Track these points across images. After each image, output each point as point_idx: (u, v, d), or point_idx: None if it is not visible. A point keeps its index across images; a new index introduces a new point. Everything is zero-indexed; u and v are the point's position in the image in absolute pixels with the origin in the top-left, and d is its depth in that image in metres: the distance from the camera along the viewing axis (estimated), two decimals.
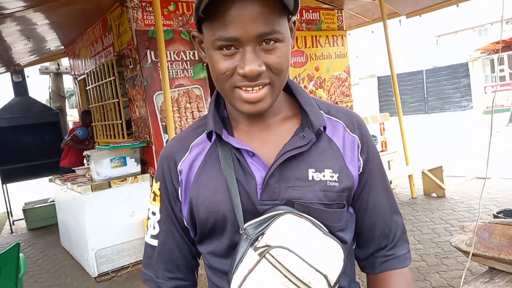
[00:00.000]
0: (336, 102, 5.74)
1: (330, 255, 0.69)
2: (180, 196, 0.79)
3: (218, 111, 0.81)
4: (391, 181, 5.22)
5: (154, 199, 0.84)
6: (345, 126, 0.80)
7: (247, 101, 0.69)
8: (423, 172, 5.01)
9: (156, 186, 0.83)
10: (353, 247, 0.85)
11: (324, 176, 0.74)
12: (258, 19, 0.65)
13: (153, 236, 0.84)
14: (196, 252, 0.85)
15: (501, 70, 16.63)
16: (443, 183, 4.95)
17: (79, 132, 5.43)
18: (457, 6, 5.37)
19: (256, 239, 0.68)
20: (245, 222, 0.71)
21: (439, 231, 3.80)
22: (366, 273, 0.86)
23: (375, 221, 0.81)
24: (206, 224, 0.76)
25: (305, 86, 5.39)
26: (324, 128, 0.77)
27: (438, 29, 27.35)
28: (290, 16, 0.72)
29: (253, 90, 0.69)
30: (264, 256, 0.66)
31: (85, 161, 4.27)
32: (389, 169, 5.36)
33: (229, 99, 0.72)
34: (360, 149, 0.79)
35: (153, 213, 0.84)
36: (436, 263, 3.13)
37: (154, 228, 0.84)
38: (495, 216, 2.95)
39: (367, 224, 0.82)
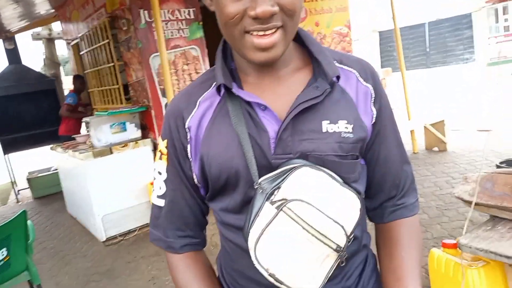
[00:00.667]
0: None
1: (347, 206, 0.69)
2: (189, 154, 0.77)
3: (226, 63, 0.77)
4: None
5: (160, 158, 0.81)
6: (358, 75, 0.77)
7: (259, 48, 0.65)
8: (425, 127, 4.99)
9: (163, 144, 0.80)
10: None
11: (338, 127, 0.72)
12: None
13: (159, 196, 0.82)
14: (206, 210, 0.84)
15: (506, 20, 16.14)
16: (445, 137, 4.94)
17: (70, 99, 5.34)
18: None
19: (272, 193, 0.67)
20: (259, 177, 0.69)
21: (441, 184, 3.83)
22: (375, 223, 0.86)
23: (386, 172, 0.81)
24: (219, 180, 0.74)
25: None
26: (338, 78, 0.73)
27: None
28: None
29: (265, 34, 0.64)
30: (281, 209, 0.65)
31: (84, 128, 4.25)
32: None
33: (238, 47, 0.68)
34: (373, 99, 0.77)
35: (159, 173, 0.82)
36: (437, 215, 3.19)
37: (160, 188, 0.82)
38: (497, 166, 2.96)
39: (378, 175, 0.81)
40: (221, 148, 0.73)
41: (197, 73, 4.26)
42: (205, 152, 0.74)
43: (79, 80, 5.47)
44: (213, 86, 0.76)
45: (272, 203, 0.66)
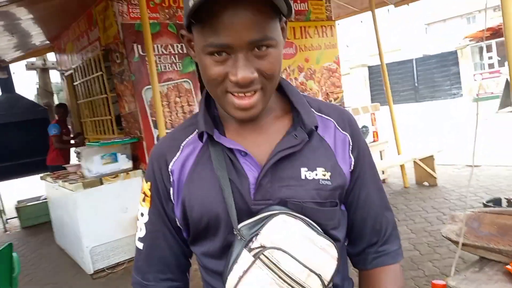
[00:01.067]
0: (327, 93, 5.73)
1: (324, 255, 0.70)
2: (172, 196, 0.78)
3: (209, 110, 0.80)
4: (383, 171, 5.25)
5: (144, 200, 0.82)
6: (336, 124, 0.80)
7: (239, 108, 0.69)
8: (414, 162, 5.05)
9: (146, 186, 0.82)
10: (345, 244, 0.85)
11: (316, 174, 0.74)
12: (250, 26, 0.63)
13: (140, 239, 0.83)
14: (188, 252, 0.84)
15: (490, 58, 16.76)
16: (434, 172, 4.99)
17: (54, 131, 5.25)
18: None
19: (251, 240, 0.68)
20: (239, 222, 0.70)
21: (432, 220, 3.84)
22: (358, 269, 0.87)
23: (366, 217, 0.82)
24: (200, 224, 0.75)
25: (295, 78, 5.37)
26: (316, 127, 0.76)
27: (427, 17, 27.40)
28: (280, 19, 0.71)
29: (245, 95, 0.68)
30: (258, 257, 0.67)
31: (75, 158, 4.22)
32: (381, 159, 5.40)
33: (220, 103, 0.72)
34: (351, 146, 0.79)
35: (142, 214, 0.82)
36: (428, 252, 3.17)
37: (141, 229, 0.82)
38: (484, 205, 2.98)
39: (358, 220, 0.82)
40: (202, 192, 0.74)
41: (189, 105, 4.31)
42: (187, 195, 0.75)
43: (61, 108, 5.47)
44: (196, 132, 0.79)
45: (250, 250, 0.68)
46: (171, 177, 0.77)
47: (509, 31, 1.94)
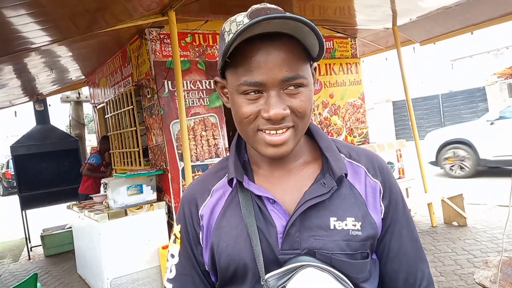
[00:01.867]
0: (351, 128, 5.72)
1: None
2: (201, 241, 0.79)
3: (239, 154, 0.82)
4: (410, 210, 5.10)
5: (174, 241, 0.84)
6: (366, 170, 0.79)
7: (270, 144, 0.70)
8: (442, 200, 4.89)
9: (177, 228, 0.83)
10: None
11: (346, 225, 0.73)
12: (282, 65, 0.67)
13: (169, 280, 0.83)
14: None
15: None
16: (464, 212, 4.81)
17: (93, 160, 5.57)
18: (472, 33, 5.37)
19: None
20: (266, 271, 0.70)
21: (462, 262, 3.67)
22: None
23: (398, 269, 0.79)
24: (227, 271, 0.75)
25: (319, 113, 5.41)
26: (346, 174, 0.76)
27: (453, 53, 27.28)
28: (312, 62, 0.74)
29: (276, 133, 0.70)
30: None
31: (102, 189, 4.33)
32: (407, 196, 5.26)
33: (251, 142, 0.73)
34: (382, 194, 0.78)
35: (172, 256, 0.84)
36: None
37: (170, 271, 0.83)
38: None
39: (390, 272, 0.79)
40: (230, 239, 0.74)
41: (214, 138, 4.39)
42: (216, 242, 0.76)
43: (105, 141, 5.69)
44: (226, 176, 0.80)
45: None
46: (200, 221, 0.79)
47: None
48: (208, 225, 0.78)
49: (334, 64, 5.64)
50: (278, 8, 0.71)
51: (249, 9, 0.70)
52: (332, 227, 0.72)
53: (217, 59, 0.78)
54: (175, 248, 0.83)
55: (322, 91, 5.48)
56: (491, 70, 18.17)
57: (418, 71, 24.97)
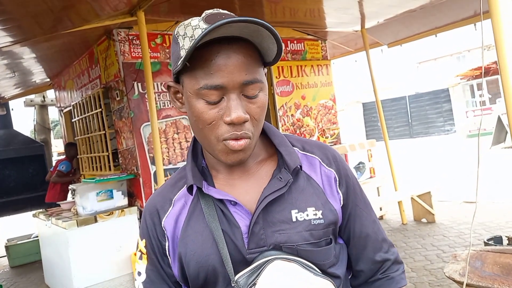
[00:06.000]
0: (323, 129, 5.80)
1: None
2: (167, 252, 0.78)
3: (196, 161, 0.81)
4: (380, 208, 5.22)
5: (140, 258, 0.82)
6: (321, 161, 0.81)
7: (232, 151, 0.70)
8: (412, 198, 5.03)
9: (142, 244, 0.82)
10: (350, 277, 0.85)
11: (307, 215, 0.74)
12: (242, 68, 0.67)
13: None
14: None
15: (480, 95, 17.18)
16: (432, 208, 4.96)
17: (62, 167, 5.35)
18: (436, 36, 5.57)
19: None
20: (235, 272, 0.70)
21: (432, 258, 3.77)
22: None
23: (365, 249, 0.82)
24: (198, 279, 0.75)
25: (292, 115, 5.45)
26: (300, 166, 0.78)
27: (419, 56, 28.27)
28: (264, 67, 0.75)
29: (237, 139, 0.70)
30: None
31: (70, 195, 4.17)
32: (378, 195, 5.38)
33: (212, 150, 0.73)
34: (338, 182, 0.80)
35: (139, 273, 0.82)
36: None
37: None
38: (485, 243, 2.95)
39: (357, 253, 0.83)
40: (197, 246, 0.74)
41: (187, 141, 4.33)
42: (183, 251, 0.75)
43: (71, 147, 5.49)
44: (186, 185, 0.79)
45: None
46: (165, 232, 0.78)
47: (504, 70, 2.01)
48: (174, 236, 0.77)
49: (305, 66, 5.70)
50: (231, 13, 0.72)
51: (203, 14, 0.71)
52: (294, 220, 0.74)
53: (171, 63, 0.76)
54: (142, 265, 0.82)
55: (294, 93, 5.52)
56: (455, 72, 18.97)
57: (386, 73, 25.70)
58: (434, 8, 4.73)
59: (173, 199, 0.80)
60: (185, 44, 0.68)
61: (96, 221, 3.68)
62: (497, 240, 2.98)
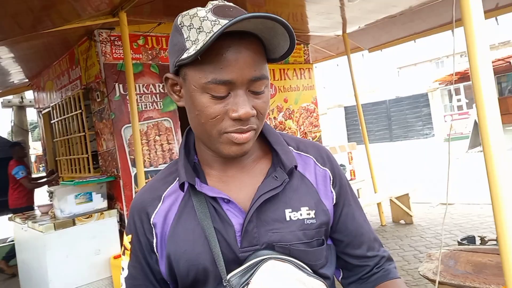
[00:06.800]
0: (305, 132, 5.86)
1: None
2: (155, 249, 0.76)
3: (188, 157, 0.80)
4: None
5: (124, 253, 0.80)
6: (315, 160, 0.81)
7: (235, 143, 0.69)
8: (391, 200, 5.13)
9: (127, 239, 0.79)
10: (340, 277, 0.86)
11: (301, 214, 0.74)
12: (252, 64, 0.66)
13: None
14: None
15: (459, 100, 17.66)
16: (410, 210, 5.08)
17: (22, 173, 5.11)
18: (415, 41, 5.71)
19: None
20: (227, 272, 0.69)
21: (409, 258, 3.86)
22: None
23: (360, 248, 0.82)
24: (187, 278, 0.73)
25: (274, 117, 5.49)
26: (296, 166, 0.77)
27: (399, 61, 28.87)
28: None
29: (243, 133, 0.69)
30: None
31: (48, 198, 4.10)
32: (359, 197, 5.46)
33: (213, 143, 0.71)
34: (331, 181, 0.80)
35: (122, 269, 0.80)
36: None
37: (121, 285, 0.80)
38: (459, 243, 3.04)
39: (353, 252, 0.82)
40: (188, 245, 0.72)
41: (168, 143, 4.31)
42: (172, 250, 0.73)
43: (17, 148, 5.34)
44: (176, 181, 0.78)
45: None
46: (153, 229, 0.76)
47: (475, 75, 2.09)
48: (162, 233, 0.75)
49: (288, 69, 5.75)
50: (236, 6, 0.70)
51: (209, 4, 0.68)
52: (288, 219, 0.73)
53: (169, 54, 0.75)
54: (125, 261, 0.80)
55: (277, 96, 5.56)
56: (433, 77, 19.45)
57: (368, 77, 26.13)
58: (413, 14, 4.86)
59: (163, 195, 0.78)
60: (192, 36, 0.66)
61: (74, 224, 3.62)
62: (470, 240, 3.08)
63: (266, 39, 0.68)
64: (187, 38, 0.67)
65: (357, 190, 5.55)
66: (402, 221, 5.15)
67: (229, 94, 0.67)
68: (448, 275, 1.99)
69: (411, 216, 5.06)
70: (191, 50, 0.65)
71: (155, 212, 0.76)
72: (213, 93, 0.67)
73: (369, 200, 5.09)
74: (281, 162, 0.76)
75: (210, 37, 0.61)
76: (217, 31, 0.60)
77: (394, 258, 3.83)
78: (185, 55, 0.66)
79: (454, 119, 16.36)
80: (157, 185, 0.80)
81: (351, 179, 5.57)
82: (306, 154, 0.82)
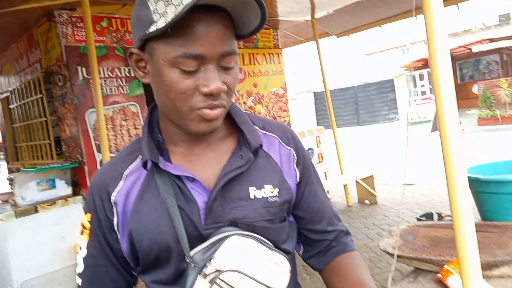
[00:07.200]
0: (275, 117, 5.90)
1: (278, 269, 0.71)
2: (116, 228, 0.75)
3: (152, 135, 0.78)
4: (328, 191, 5.44)
5: (82, 232, 0.79)
6: (280, 140, 0.83)
7: (205, 120, 0.69)
8: (356, 181, 5.29)
9: (86, 218, 0.78)
10: (301, 251, 0.89)
11: (264, 192, 0.75)
12: (222, 38, 0.66)
13: (78, 274, 0.79)
14: (133, 281, 0.82)
15: (422, 85, 18.27)
16: (374, 191, 5.26)
17: None
18: (380, 27, 5.82)
19: (205, 266, 0.67)
20: (191, 249, 0.69)
21: (372, 236, 4.03)
22: (319, 270, 0.88)
23: (320, 223, 0.86)
24: (150, 256, 0.73)
25: (244, 102, 5.48)
26: (261, 145, 0.78)
27: (367, 48, 29.41)
28: None
29: (213, 108, 0.69)
30: (214, 282, 0.65)
31: (8, 185, 3.94)
32: (326, 179, 5.60)
33: (183, 120, 0.70)
34: (295, 160, 0.82)
35: (80, 248, 0.79)
36: (370, 266, 3.31)
37: (78, 265, 0.79)
38: (418, 220, 3.20)
39: (313, 227, 0.85)
40: (151, 223, 0.72)
41: (135, 128, 4.23)
42: (134, 228, 0.73)
43: None
44: (139, 158, 0.77)
45: (205, 276, 0.66)
46: (114, 208, 0.75)
47: (434, 62, 2.17)
48: (124, 211, 0.74)
49: (257, 54, 5.74)
50: None
51: None
52: (252, 197, 0.74)
53: (133, 29, 0.72)
54: (83, 241, 0.78)
55: (247, 80, 5.55)
56: (399, 63, 19.98)
57: (336, 63, 26.49)
58: (380, 1, 4.95)
59: (125, 173, 0.76)
60: (159, 8, 0.63)
61: (37, 211, 3.51)
62: (429, 216, 3.24)
63: (236, 14, 0.68)
64: (154, 11, 0.64)
65: (325, 172, 5.69)
66: (367, 202, 5.34)
67: (199, 69, 0.66)
68: (406, 249, 2.10)
69: (375, 196, 5.26)
70: (160, 23, 0.63)
71: (116, 190, 0.75)
72: (183, 68, 0.65)
73: (336, 182, 5.23)
74: (247, 141, 0.77)
75: (183, 9, 0.59)
76: (189, 3, 0.59)
77: (359, 237, 4.00)
78: (153, 28, 0.64)
79: (418, 104, 16.95)
80: (119, 163, 0.78)
81: (319, 162, 5.69)
82: (272, 134, 0.83)
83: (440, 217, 3.05)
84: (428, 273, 2.02)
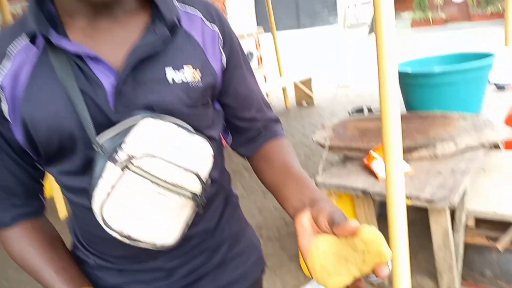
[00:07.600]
0: None
1: (199, 152, 0.67)
2: (6, 115, 0.65)
3: (42, 6, 0.65)
4: (267, 94, 5.50)
5: None
6: (202, 17, 0.73)
7: None
8: (295, 84, 5.37)
9: None
10: (229, 140, 0.85)
11: (183, 73, 0.68)
12: None
13: None
14: (37, 174, 0.74)
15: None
16: (312, 93, 5.41)
17: None
18: None
19: (115, 152, 0.61)
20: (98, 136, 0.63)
21: (308, 134, 4.25)
22: (248, 157, 0.86)
23: (249, 110, 0.81)
24: (50, 146, 0.65)
25: None
26: (179, 20, 0.69)
27: None
28: None
29: None
30: (127, 168, 0.60)
31: None
32: (265, 82, 5.62)
33: None
34: (222, 41, 0.74)
35: None
36: (305, 161, 3.55)
37: None
38: (350, 114, 3.38)
39: (241, 114, 0.81)
40: (47, 109, 0.63)
41: None
42: (28, 116, 0.64)
43: None
44: (25, 33, 0.64)
45: (116, 163, 0.61)
46: (1, 93, 0.64)
47: None
48: (14, 97, 0.64)
49: None
50: None
51: None
52: (171, 81, 0.67)
53: None
54: None
55: None
56: None
57: None
58: None
59: (9, 52, 0.64)
60: None
61: None
62: (359, 110, 3.43)
63: None
64: None
65: (264, 76, 5.67)
66: (304, 103, 5.50)
67: None
68: (337, 140, 2.23)
69: (312, 98, 5.42)
70: None
71: (2, 73, 0.64)
72: None
73: (274, 85, 5.27)
74: (162, 15, 0.67)
75: None
76: None
77: (296, 136, 4.19)
78: None
79: (357, 7, 16.88)
80: (3, 43, 0.65)
81: (258, 65, 5.62)
82: (193, 12, 0.73)
83: (370, 111, 3.23)
84: (356, 160, 2.18)
